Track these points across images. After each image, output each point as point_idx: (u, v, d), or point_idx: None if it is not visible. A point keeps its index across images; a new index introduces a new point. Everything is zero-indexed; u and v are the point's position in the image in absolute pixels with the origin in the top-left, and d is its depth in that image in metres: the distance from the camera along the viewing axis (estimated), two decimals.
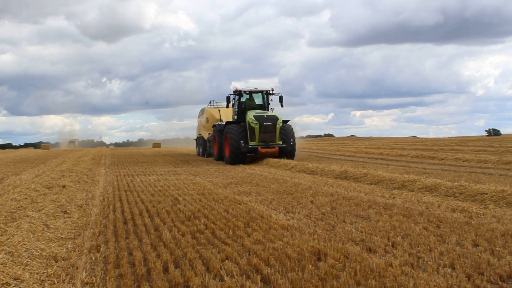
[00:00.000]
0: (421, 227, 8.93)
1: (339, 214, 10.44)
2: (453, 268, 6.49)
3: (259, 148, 27.49)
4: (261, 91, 30.18)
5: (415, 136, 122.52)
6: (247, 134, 27.96)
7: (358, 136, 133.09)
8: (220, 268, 6.78)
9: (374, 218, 9.89)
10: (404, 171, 19.27)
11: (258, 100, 30.51)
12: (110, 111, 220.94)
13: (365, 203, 11.80)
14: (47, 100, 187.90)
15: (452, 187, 12.94)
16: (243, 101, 30.07)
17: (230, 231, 9.09)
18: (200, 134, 39.41)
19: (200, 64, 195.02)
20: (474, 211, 10.32)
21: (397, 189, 14.19)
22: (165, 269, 6.94)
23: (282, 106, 29.66)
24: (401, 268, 6.47)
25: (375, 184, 15.57)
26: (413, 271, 6.38)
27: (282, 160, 25.95)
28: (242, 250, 7.71)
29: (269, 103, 30.12)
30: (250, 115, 28.01)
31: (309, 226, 9.34)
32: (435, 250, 7.30)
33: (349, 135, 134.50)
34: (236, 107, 30.30)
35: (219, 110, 34.77)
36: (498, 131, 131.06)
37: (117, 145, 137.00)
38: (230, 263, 6.99)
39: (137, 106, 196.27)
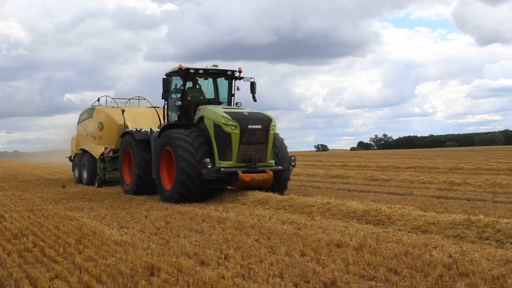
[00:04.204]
0: (253, 239, 9.21)
1: (173, 229, 10.47)
2: (282, 278, 6.76)
3: (240, 173, 14.62)
4: (223, 72, 17.24)
5: None
6: (211, 147, 15.24)
7: None
8: (49, 287, 6.52)
9: (207, 232, 10.02)
10: None
11: (208, 88, 17.83)
12: None
13: (199, 217, 11.93)
14: None
15: (282, 200, 13.46)
16: (188, 90, 17.10)
17: (61, 248, 8.77)
18: (81, 150, 24.50)
19: (32, 74, 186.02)
20: (303, 222, 10.81)
21: (231, 202, 14.49)
22: None
23: (255, 100, 17.58)
24: (233, 280, 6.63)
25: (209, 198, 15.78)
26: (244, 282, 6.56)
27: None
28: (73, 268, 7.47)
29: (234, 94, 17.65)
30: (217, 111, 15.33)
31: (143, 241, 9.26)
32: (266, 261, 7.56)
33: None
34: (178, 98, 16.82)
35: (122, 110, 21.86)
36: (326, 146, 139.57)
37: None
38: (60, 281, 6.75)
39: None
